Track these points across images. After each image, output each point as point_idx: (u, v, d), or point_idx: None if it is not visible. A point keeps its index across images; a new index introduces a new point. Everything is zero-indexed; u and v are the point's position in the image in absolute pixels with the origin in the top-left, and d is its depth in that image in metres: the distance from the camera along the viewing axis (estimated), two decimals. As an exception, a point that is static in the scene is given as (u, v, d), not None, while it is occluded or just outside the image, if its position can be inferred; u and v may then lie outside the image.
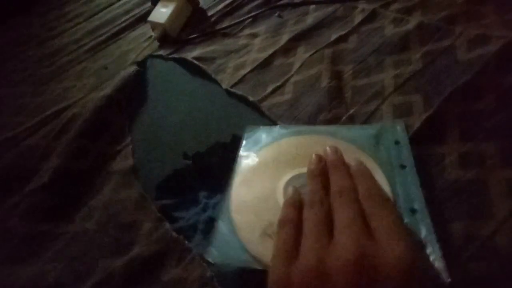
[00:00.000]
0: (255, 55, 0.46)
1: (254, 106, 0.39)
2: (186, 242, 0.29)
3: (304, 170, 0.26)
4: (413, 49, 0.37)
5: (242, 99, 0.41)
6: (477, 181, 0.25)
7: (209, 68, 0.47)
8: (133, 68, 0.52)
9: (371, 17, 0.43)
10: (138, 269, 0.29)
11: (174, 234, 0.30)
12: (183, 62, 0.51)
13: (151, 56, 0.55)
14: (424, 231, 0.22)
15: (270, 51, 0.45)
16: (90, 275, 0.30)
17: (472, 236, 0.22)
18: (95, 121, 0.44)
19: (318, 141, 0.30)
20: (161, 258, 0.29)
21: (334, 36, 0.42)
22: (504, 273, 0.20)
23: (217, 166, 0.35)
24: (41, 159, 0.42)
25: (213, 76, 0.46)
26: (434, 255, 0.20)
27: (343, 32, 0.42)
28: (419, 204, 0.23)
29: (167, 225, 0.31)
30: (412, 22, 0.39)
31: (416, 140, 0.28)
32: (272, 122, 0.37)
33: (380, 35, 0.40)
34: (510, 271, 0.20)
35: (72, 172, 0.39)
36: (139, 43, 0.59)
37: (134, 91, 0.49)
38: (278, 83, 0.40)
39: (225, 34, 0.53)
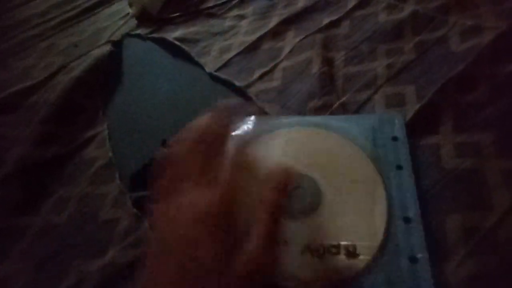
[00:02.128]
0: (242, 38, 0.43)
1: (240, 92, 0.37)
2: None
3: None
4: (406, 38, 0.36)
5: (227, 84, 0.38)
6: (474, 171, 0.24)
7: (192, 50, 0.44)
8: (107, 47, 0.47)
9: (365, 2, 0.41)
10: (113, 277, 0.26)
11: None
12: (163, 43, 0.47)
13: (128, 35, 0.50)
14: (417, 245, 0.21)
15: (258, 35, 0.42)
16: (63, 280, 0.27)
17: (472, 229, 0.22)
18: (64, 105, 0.40)
19: (311, 135, 0.28)
20: (137, 266, 0.26)
21: (326, 21, 0.40)
22: (505, 269, 0.20)
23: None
24: (3, 148, 0.37)
25: (196, 58, 0.43)
26: (423, 274, 0.19)
27: (335, 17, 0.40)
28: (413, 212, 0.22)
29: (146, 223, 0.28)
30: (406, 10, 0.38)
31: (410, 130, 0.27)
32: (260, 109, 0.34)
33: (373, 21, 0.38)
34: (511, 268, 0.20)
35: (39, 161, 0.35)
36: (115, 21, 0.54)
37: (108, 73, 0.45)
38: (266, 69, 0.38)
39: (210, 14, 0.49)
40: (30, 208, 0.32)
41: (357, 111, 0.31)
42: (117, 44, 0.49)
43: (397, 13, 0.38)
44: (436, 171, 0.25)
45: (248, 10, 0.47)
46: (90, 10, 0.59)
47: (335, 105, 0.31)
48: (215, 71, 0.40)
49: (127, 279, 0.26)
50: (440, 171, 0.25)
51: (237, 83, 0.37)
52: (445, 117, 0.28)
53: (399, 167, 0.25)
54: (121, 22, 0.53)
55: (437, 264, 0.20)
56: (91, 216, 0.30)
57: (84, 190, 0.33)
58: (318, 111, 0.31)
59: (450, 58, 0.32)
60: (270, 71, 0.38)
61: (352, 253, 0.21)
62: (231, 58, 0.41)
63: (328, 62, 0.36)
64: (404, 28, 0.36)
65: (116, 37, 0.50)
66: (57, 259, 0.28)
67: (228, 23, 0.47)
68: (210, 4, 0.51)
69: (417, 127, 0.28)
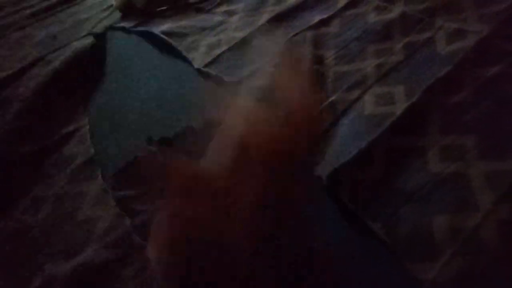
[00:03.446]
0: (232, 34, 0.43)
1: (230, 89, 0.36)
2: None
3: None
4: (395, 39, 0.36)
5: (216, 80, 0.37)
6: (459, 174, 0.25)
7: (179, 45, 0.42)
8: (89, 40, 0.45)
9: (355, 2, 0.41)
10: (86, 278, 0.24)
11: (136, 238, 0.26)
12: (149, 37, 0.45)
13: (111, 27, 0.48)
14: None
15: (248, 31, 0.42)
16: (30, 284, 0.25)
17: (457, 230, 0.22)
18: (41, 99, 0.37)
19: None
20: (116, 266, 0.24)
21: (316, 19, 0.40)
22: (490, 267, 0.20)
23: (187, 154, 0.31)
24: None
25: (184, 53, 0.41)
26: None
27: (325, 15, 0.40)
28: None
29: (128, 223, 0.27)
30: (395, 11, 0.38)
31: (398, 129, 0.28)
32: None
33: (363, 21, 0.39)
34: (496, 266, 0.20)
35: (13, 158, 0.33)
36: (97, 12, 0.52)
37: (90, 67, 0.43)
38: (257, 65, 0.37)
39: (198, 9, 0.48)
40: (2, 209, 0.30)
41: (347, 109, 0.31)
42: (100, 37, 0.47)
43: (386, 14, 0.39)
44: (423, 174, 0.25)
45: (238, 6, 0.47)
46: (69, 1, 0.56)
47: (325, 103, 0.31)
48: (204, 66, 0.39)
49: (103, 282, 0.24)
50: (427, 174, 0.25)
51: (227, 80, 0.36)
52: (432, 118, 0.28)
53: None
54: (104, 14, 0.51)
55: (425, 264, 0.21)
56: (68, 216, 0.29)
57: (62, 189, 0.31)
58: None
59: (436, 60, 0.33)
60: (261, 67, 0.37)
61: None
62: (220, 54, 0.40)
63: (318, 60, 0.36)
64: (394, 29, 0.37)
65: (98, 29, 0.47)
66: (30, 262, 0.26)
67: (217, 18, 0.46)
68: (199, -2, 0.49)
69: (406, 126, 0.28)
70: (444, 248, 0.21)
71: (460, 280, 0.20)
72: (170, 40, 0.43)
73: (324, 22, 0.40)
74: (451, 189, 0.24)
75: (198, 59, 0.40)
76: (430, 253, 0.21)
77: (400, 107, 0.29)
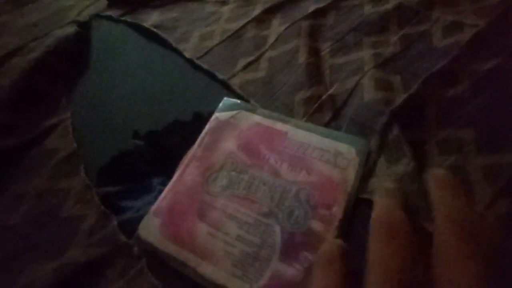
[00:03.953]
0: (225, 26, 0.41)
1: (223, 82, 0.35)
2: (135, 248, 0.24)
3: None
4: (391, 31, 0.35)
5: (208, 73, 0.36)
6: (456, 168, 0.24)
7: (170, 37, 0.41)
8: (72, 28, 0.42)
9: (350, -8, 0.40)
10: (69, 278, 0.23)
11: (121, 236, 0.25)
12: (137, 27, 0.43)
13: (97, 16, 0.46)
14: None
15: (242, 22, 0.40)
16: (12, 285, 0.23)
17: None
18: (20, 90, 0.35)
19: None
20: (101, 265, 0.23)
21: (311, 8, 0.39)
22: (488, 264, 0.20)
23: (175, 148, 0.30)
24: None
25: (174, 45, 0.40)
26: None
27: (321, 5, 0.39)
28: None
29: (114, 221, 0.25)
30: (391, 3, 0.38)
31: (396, 118, 0.27)
32: (244, 101, 0.32)
33: (359, 13, 0.38)
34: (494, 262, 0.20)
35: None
36: (81, 0, 0.49)
37: (73, 56, 0.40)
38: (251, 58, 0.36)
39: (189, -2, 0.46)
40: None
41: (346, 101, 0.30)
42: (84, 25, 0.44)
43: (382, 5, 0.38)
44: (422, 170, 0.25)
45: (230, -5, 0.45)
46: (52, -13, 0.53)
47: (324, 96, 0.30)
48: (195, 59, 0.37)
49: (88, 281, 0.23)
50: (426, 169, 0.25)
51: (219, 75, 0.35)
52: (429, 111, 0.28)
53: None
54: (89, 1, 0.48)
55: None
56: (51, 214, 0.27)
57: (43, 185, 0.29)
58: (307, 102, 0.30)
59: (432, 53, 0.32)
60: (255, 60, 0.36)
61: None
62: (213, 47, 0.39)
63: (314, 52, 0.35)
64: (390, 21, 0.36)
65: (83, 17, 0.45)
66: (11, 263, 0.25)
67: (208, 8, 0.44)
68: (189, -12, 0.47)
69: (404, 117, 0.27)
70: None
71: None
72: (159, 32, 0.41)
73: (319, 13, 0.39)
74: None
75: (190, 51, 0.39)
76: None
77: (399, 97, 0.28)
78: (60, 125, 0.33)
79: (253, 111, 0.29)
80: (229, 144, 0.27)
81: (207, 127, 0.28)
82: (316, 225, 0.22)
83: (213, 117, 0.29)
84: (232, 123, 0.28)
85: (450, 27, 0.34)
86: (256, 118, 0.28)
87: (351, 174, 0.24)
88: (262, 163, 0.25)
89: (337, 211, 0.22)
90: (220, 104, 0.30)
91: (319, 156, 0.25)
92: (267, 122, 0.28)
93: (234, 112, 0.29)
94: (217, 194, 0.24)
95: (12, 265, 0.24)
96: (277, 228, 0.22)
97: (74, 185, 0.28)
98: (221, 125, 0.28)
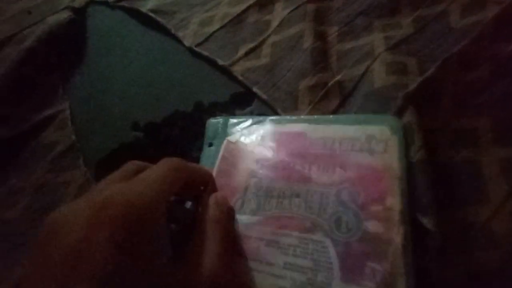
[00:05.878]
0: (225, 10, 0.39)
1: (224, 70, 0.33)
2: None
3: None
4: (404, 13, 0.33)
5: (209, 61, 0.34)
6: (471, 162, 0.22)
7: (168, 23, 0.39)
8: (67, 14, 0.41)
9: (360, -27, 0.37)
10: None
11: None
12: (134, 13, 0.42)
13: (92, 1, 0.44)
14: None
15: (243, 6, 0.38)
16: (7, 279, 0.23)
17: (468, 224, 0.20)
18: (15, 80, 0.34)
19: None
20: None
21: (318, -10, 0.37)
22: (504, 265, 0.18)
23: (176, 140, 0.29)
24: None
25: (173, 31, 0.38)
26: None
27: (328, -13, 0.37)
28: None
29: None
30: (404, -18, 0.35)
31: (411, 103, 0.25)
32: (246, 89, 0.31)
33: (368, -6, 0.35)
34: (509, 262, 0.18)
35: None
36: (78, -14, 0.47)
37: (69, 44, 0.39)
38: (253, 44, 0.34)
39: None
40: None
41: (356, 87, 0.28)
42: (79, 12, 0.43)
43: (394, -15, 0.35)
44: (433, 161, 0.23)
45: (231, -22, 0.43)
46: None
47: (331, 83, 0.28)
48: (195, 46, 0.36)
49: None
50: (437, 162, 0.22)
51: (221, 61, 0.33)
52: (444, 97, 0.26)
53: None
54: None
55: (434, 260, 0.19)
56: (50, 208, 0.26)
57: (42, 179, 0.28)
58: (312, 90, 0.28)
59: (450, 35, 0.30)
60: (258, 46, 0.34)
61: None
62: (213, 32, 0.37)
63: (320, 36, 0.33)
64: (401, 2, 0.34)
65: (78, 4, 0.43)
66: (7, 260, 0.24)
67: (208, -8, 0.42)
68: (189, -29, 0.45)
69: (418, 102, 0.25)
70: (453, 243, 0.19)
71: (471, 277, 0.18)
72: (158, 18, 0.40)
73: (326, -6, 0.36)
74: (461, 178, 0.22)
75: (189, 38, 0.37)
76: (439, 250, 0.19)
77: (413, 80, 0.26)
78: (58, 117, 0.32)
79: (261, 122, 0.25)
80: (248, 163, 0.23)
81: (221, 154, 0.24)
82: (373, 226, 0.18)
83: (225, 142, 0.25)
84: (244, 142, 0.24)
85: (470, 5, 0.31)
86: (267, 128, 0.25)
87: (394, 156, 0.20)
88: (288, 173, 0.21)
89: (393, 201, 0.18)
90: (227, 129, 0.26)
91: (349, 147, 0.21)
92: (279, 128, 0.24)
93: (243, 130, 0.25)
94: (248, 220, 0.20)
95: (9, 261, 0.24)
96: (328, 242, 0.18)
97: (74, 178, 0.28)
98: (233, 147, 0.25)
